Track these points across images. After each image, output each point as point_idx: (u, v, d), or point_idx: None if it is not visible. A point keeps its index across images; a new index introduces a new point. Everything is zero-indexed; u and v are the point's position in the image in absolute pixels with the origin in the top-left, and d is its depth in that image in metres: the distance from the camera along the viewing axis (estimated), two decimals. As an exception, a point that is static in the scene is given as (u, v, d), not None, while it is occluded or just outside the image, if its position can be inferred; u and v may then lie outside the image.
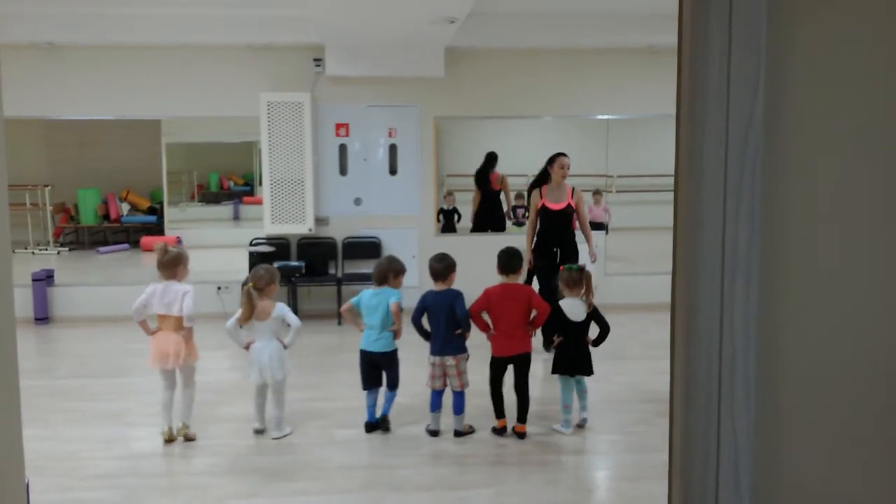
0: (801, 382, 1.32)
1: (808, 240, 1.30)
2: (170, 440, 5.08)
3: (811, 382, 1.32)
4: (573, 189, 7.05)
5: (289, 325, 5.16)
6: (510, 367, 5.19)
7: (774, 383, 1.32)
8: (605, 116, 9.34)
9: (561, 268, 5.44)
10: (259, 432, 5.19)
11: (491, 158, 10.10)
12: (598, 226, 10.02)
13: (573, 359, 5.24)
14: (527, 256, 6.81)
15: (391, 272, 5.21)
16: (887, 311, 1.30)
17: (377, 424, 5.24)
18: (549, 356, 6.73)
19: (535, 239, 7.09)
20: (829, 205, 1.29)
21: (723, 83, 1.28)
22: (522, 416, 5.18)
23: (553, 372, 5.31)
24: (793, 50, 1.27)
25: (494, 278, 5.26)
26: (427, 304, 5.18)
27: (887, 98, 1.27)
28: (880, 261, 1.30)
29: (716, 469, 1.34)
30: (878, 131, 1.28)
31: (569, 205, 6.98)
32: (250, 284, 5.09)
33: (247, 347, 5.17)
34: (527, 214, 7.53)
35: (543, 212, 6.99)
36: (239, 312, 5.08)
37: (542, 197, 7.02)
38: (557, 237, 7.02)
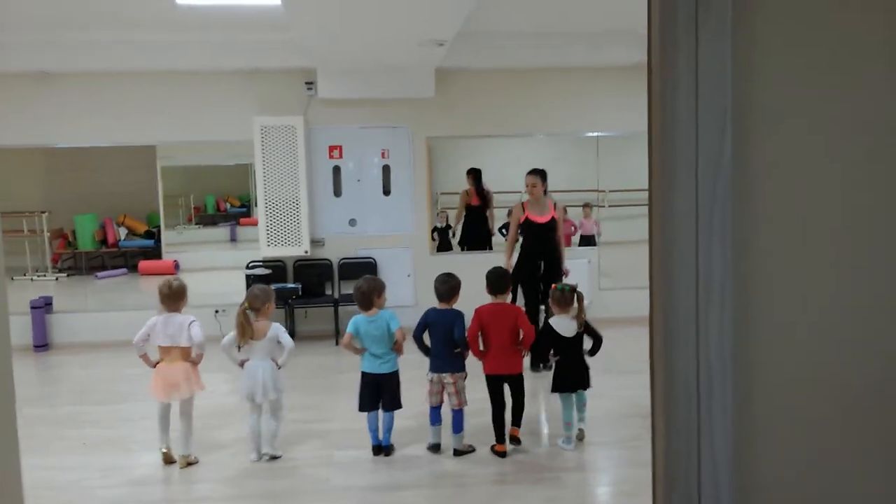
0: (776, 403, 1.37)
1: (781, 262, 1.34)
2: (168, 461, 5.11)
3: (786, 402, 1.36)
4: (555, 203, 7.15)
5: (282, 345, 5.21)
6: (506, 388, 5.26)
7: (750, 404, 1.36)
8: (595, 134, 9.40)
9: (553, 286, 5.50)
10: (256, 462, 5.18)
11: (470, 174, 10.05)
12: (589, 240, 10.06)
13: (571, 375, 5.29)
14: (506, 263, 6.88)
15: (374, 293, 5.22)
16: (861, 330, 1.35)
17: (383, 449, 5.27)
18: (540, 374, 6.80)
19: (518, 252, 7.17)
20: (801, 226, 1.34)
21: (691, 119, 1.33)
22: (517, 419, 5.26)
23: (553, 391, 5.34)
24: (759, 68, 1.31)
25: (485, 296, 5.34)
26: (429, 322, 5.26)
27: (860, 111, 1.32)
28: (854, 280, 1.34)
29: (697, 488, 1.39)
30: (851, 146, 1.32)
31: (553, 218, 7.08)
32: (246, 305, 5.13)
33: (241, 365, 5.21)
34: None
35: (528, 225, 7.08)
36: (234, 332, 5.14)
37: (524, 211, 7.10)
38: (542, 250, 7.10)
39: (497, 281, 5.34)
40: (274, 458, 5.17)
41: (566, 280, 6.74)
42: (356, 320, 5.23)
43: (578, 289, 5.41)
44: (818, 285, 1.35)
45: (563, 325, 5.28)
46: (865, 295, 1.34)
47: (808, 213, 1.34)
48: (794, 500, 1.38)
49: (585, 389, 5.32)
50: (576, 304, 5.30)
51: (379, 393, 5.23)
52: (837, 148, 1.33)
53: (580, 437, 5.34)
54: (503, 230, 10.35)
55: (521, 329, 5.21)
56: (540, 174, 7.14)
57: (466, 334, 5.17)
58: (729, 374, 1.35)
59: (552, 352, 5.33)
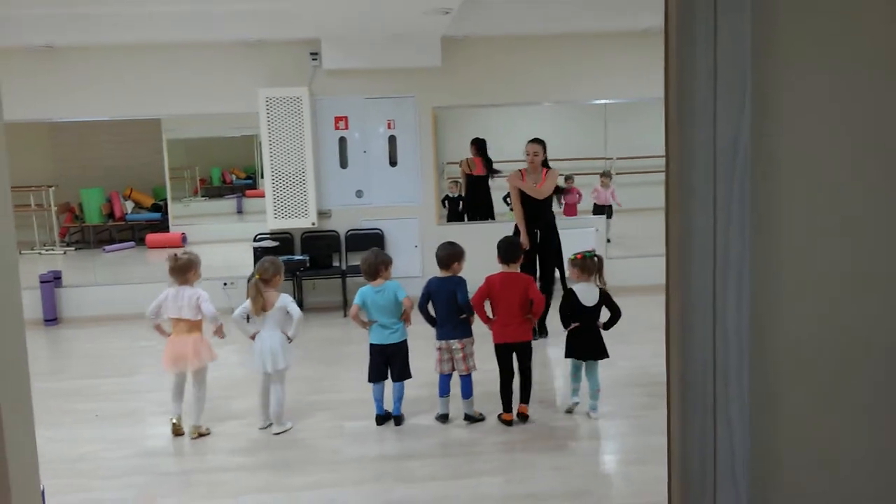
0: (794, 380, 1.36)
1: (799, 240, 1.33)
2: (178, 432, 5.18)
3: (804, 381, 1.36)
4: (549, 171, 7.15)
5: (291, 316, 5.25)
6: (514, 357, 5.27)
7: (767, 383, 1.36)
8: (602, 101, 9.34)
9: (579, 255, 5.49)
10: (263, 429, 5.26)
11: (474, 143, 10.02)
12: (604, 209, 10.02)
13: (586, 343, 5.31)
14: (524, 238, 6.90)
15: (381, 265, 5.27)
16: (881, 305, 1.34)
17: (389, 417, 5.30)
18: (542, 342, 6.87)
19: (513, 223, 7.20)
20: (820, 203, 1.33)
21: (709, 98, 1.31)
22: (525, 396, 5.27)
23: (567, 356, 5.38)
24: (779, 46, 1.30)
25: (493, 265, 5.34)
26: (431, 291, 5.29)
27: (880, 88, 1.30)
28: (873, 254, 1.33)
29: (713, 468, 1.39)
30: (874, 124, 1.31)
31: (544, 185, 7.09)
32: (257, 276, 5.18)
33: (253, 337, 5.25)
34: None
35: (523, 195, 7.09)
36: (247, 303, 5.20)
37: (522, 180, 7.12)
38: (536, 219, 7.12)
39: (508, 249, 5.35)
40: (284, 431, 5.22)
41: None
42: (363, 291, 5.27)
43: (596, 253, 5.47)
44: (837, 261, 1.34)
45: (586, 293, 5.30)
46: (886, 270, 1.33)
47: (827, 190, 1.32)
48: (810, 477, 1.39)
49: (600, 359, 5.33)
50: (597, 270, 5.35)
51: (387, 364, 5.28)
52: (859, 126, 1.31)
53: (592, 409, 5.36)
54: (507, 199, 10.35)
55: (530, 298, 5.22)
56: (541, 143, 7.14)
57: (471, 300, 5.19)
58: (746, 353, 1.35)
59: (572, 319, 5.35)
